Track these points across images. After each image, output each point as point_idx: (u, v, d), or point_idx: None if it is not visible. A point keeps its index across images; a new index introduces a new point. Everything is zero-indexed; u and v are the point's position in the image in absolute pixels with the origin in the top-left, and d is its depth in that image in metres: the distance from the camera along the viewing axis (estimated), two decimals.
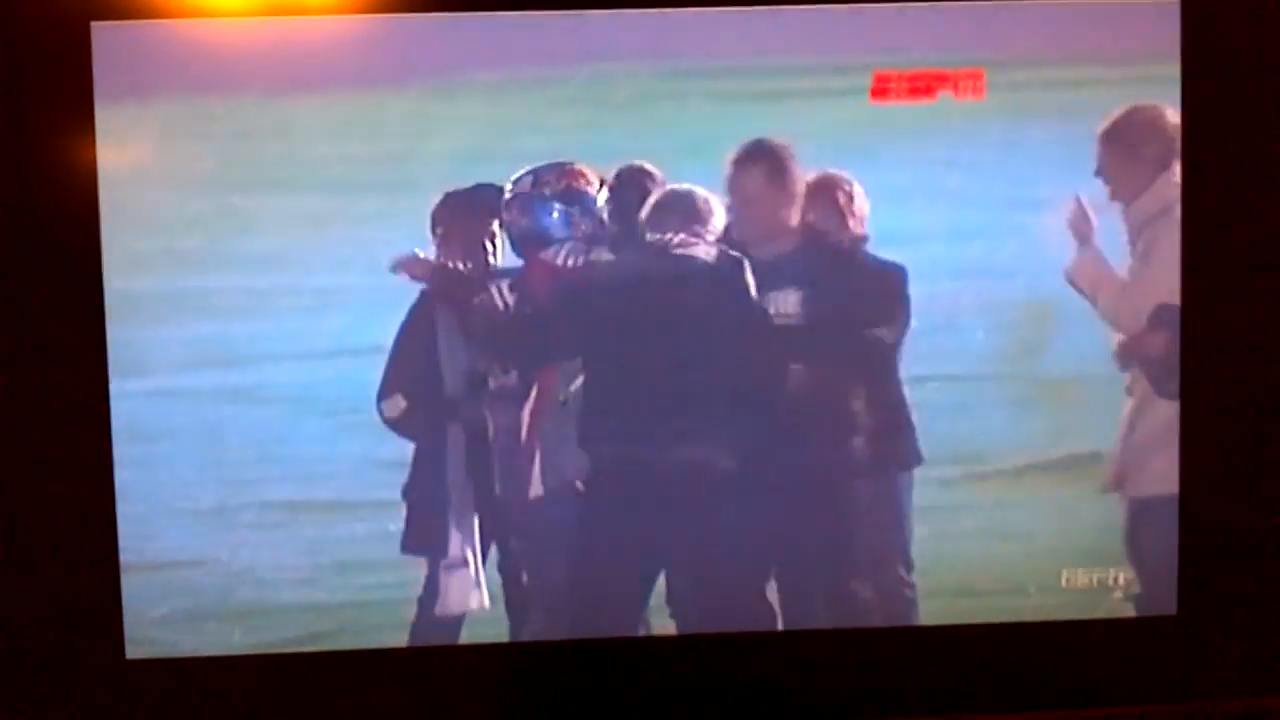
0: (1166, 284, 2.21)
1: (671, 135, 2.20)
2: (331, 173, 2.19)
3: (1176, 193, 2.20)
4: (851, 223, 2.22)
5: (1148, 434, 2.22)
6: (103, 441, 2.15)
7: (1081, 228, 2.20)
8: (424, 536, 2.21)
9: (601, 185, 2.20)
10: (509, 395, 2.22)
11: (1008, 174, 2.22)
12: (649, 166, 2.19)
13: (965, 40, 2.19)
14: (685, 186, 2.19)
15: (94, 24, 2.12)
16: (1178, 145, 2.19)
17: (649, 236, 2.19)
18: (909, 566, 2.26)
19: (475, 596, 2.23)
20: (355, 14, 2.16)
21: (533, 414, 2.21)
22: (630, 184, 2.20)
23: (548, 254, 2.20)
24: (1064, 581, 2.25)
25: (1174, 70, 2.19)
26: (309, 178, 2.19)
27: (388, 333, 2.20)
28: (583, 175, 2.20)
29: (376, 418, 2.21)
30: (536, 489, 2.21)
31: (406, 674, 2.22)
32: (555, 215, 2.19)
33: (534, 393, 2.22)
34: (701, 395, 2.19)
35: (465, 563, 2.23)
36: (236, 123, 2.16)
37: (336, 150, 2.19)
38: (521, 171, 2.20)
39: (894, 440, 2.23)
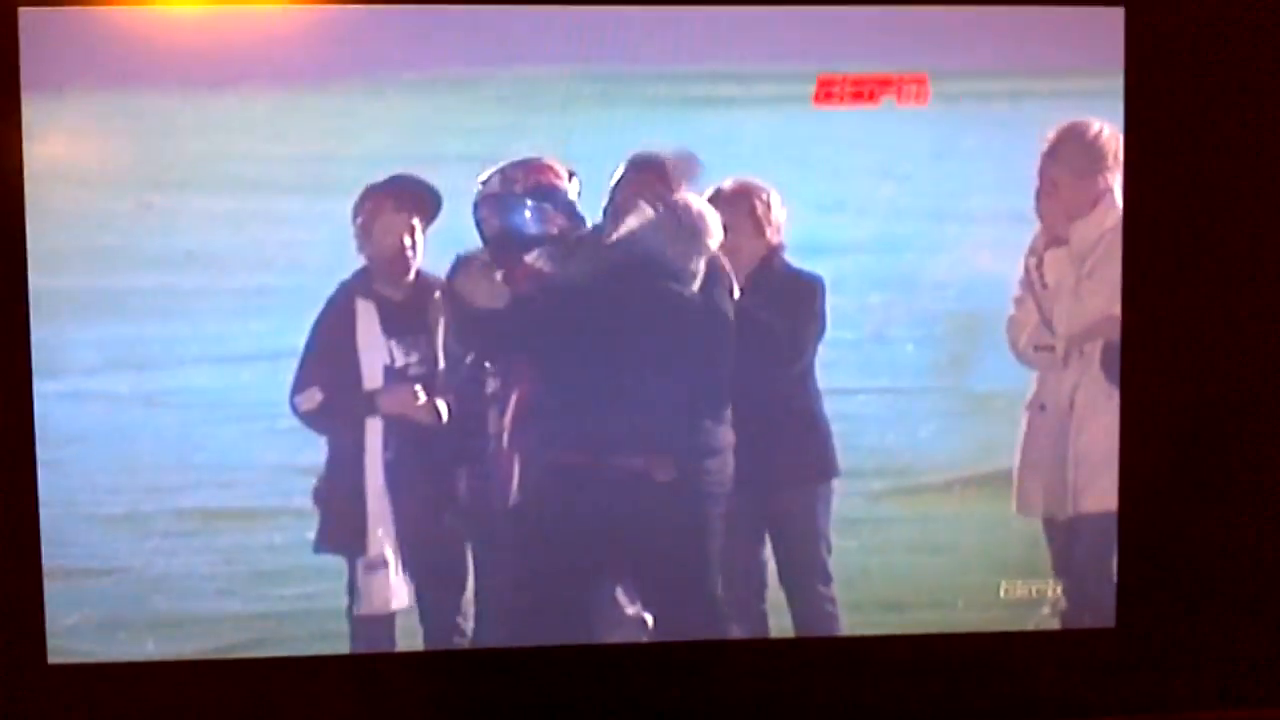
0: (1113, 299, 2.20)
1: (598, 139, 2.16)
2: (252, 172, 2.14)
3: (1120, 213, 2.19)
4: (768, 231, 2.20)
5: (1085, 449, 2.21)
6: (25, 444, 2.09)
7: None
8: (339, 536, 2.16)
9: (571, 178, 2.15)
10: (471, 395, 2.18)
11: (940, 186, 2.21)
12: None
13: (906, 48, 2.17)
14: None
15: (21, 10, 2.05)
16: (1118, 159, 2.17)
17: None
18: (827, 579, 2.24)
19: (397, 597, 2.19)
20: (279, 6, 2.11)
21: (513, 419, 2.16)
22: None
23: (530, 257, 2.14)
24: (1003, 593, 2.24)
25: (1117, 83, 2.18)
26: (229, 176, 2.13)
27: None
28: (551, 170, 2.14)
29: (295, 423, 2.16)
30: (515, 495, 2.17)
31: (334, 680, 2.18)
32: (528, 214, 2.15)
33: (513, 399, 2.17)
34: (644, 403, 2.16)
35: (385, 563, 2.18)
36: (156, 118, 2.11)
37: (258, 149, 2.14)
38: (489, 171, 2.14)
39: (810, 452, 2.21)
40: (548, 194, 2.15)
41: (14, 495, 2.10)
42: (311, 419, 2.15)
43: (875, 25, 2.17)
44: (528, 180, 2.14)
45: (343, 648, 2.19)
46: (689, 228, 2.14)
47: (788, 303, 2.19)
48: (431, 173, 2.15)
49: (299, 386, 2.14)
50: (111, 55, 2.08)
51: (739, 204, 2.19)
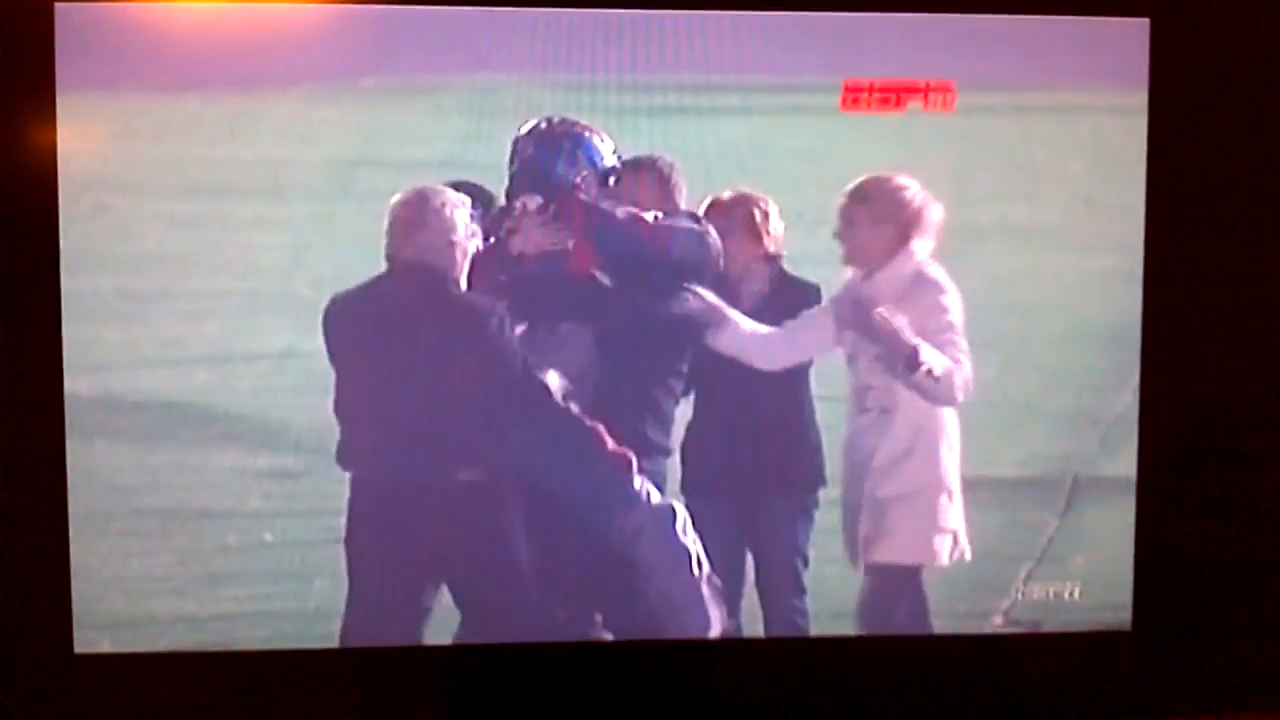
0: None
1: None
2: (211, 176, 2.14)
3: (916, 262, 2.17)
4: (766, 241, 2.21)
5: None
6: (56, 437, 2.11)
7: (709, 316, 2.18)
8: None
9: (614, 151, 2.19)
10: None
11: None
12: None
13: (929, 59, 2.19)
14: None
15: None
16: (921, 217, 2.16)
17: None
18: (801, 592, 2.25)
19: None
20: (240, 9, 2.11)
21: None
22: None
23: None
24: (1016, 595, 2.25)
25: (1141, 99, 2.19)
26: (187, 180, 2.14)
27: (263, 340, 2.16)
28: (597, 132, 2.17)
29: (251, 426, 2.16)
30: None
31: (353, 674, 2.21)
32: (563, 152, 2.16)
33: None
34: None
35: None
36: (113, 121, 2.11)
37: (216, 152, 2.14)
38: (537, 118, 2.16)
39: (799, 461, 2.23)
40: (586, 145, 2.16)
41: (42, 488, 2.11)
42: None
43: (898, 35, 2.18)
44: (574, 128, 2.15)
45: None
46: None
47: (783, 311, 2.19)
48: (393, 179, 2.15)
49: None
50: (64, 57, 2.07)
51: (736, 213, 2.19)
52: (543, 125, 2.15)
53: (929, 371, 2.13)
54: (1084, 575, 2.27)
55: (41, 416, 2.10)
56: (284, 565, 2.18)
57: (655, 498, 2.16)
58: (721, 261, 2.18)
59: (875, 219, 2.16)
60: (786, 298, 2.21)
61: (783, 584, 2.24)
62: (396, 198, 2.13)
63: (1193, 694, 2.29)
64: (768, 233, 2.21)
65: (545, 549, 2.15)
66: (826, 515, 2.24)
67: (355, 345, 2.13)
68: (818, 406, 2.22)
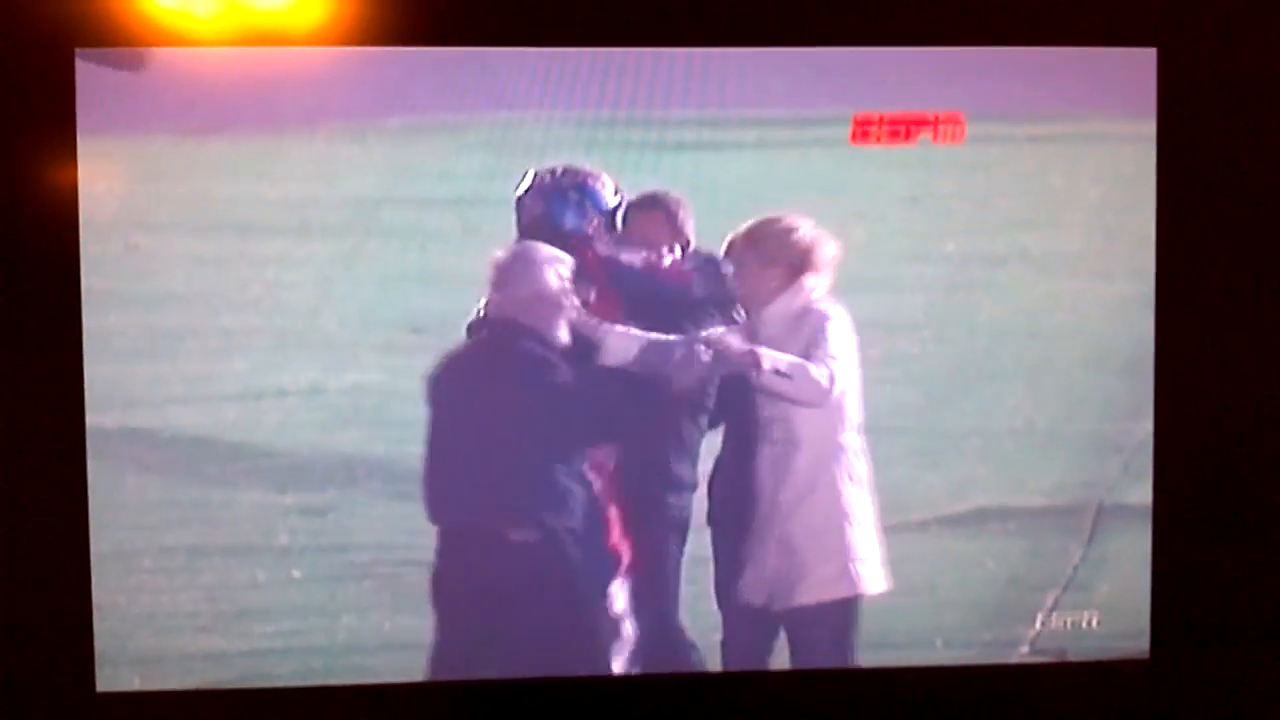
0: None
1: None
2: (237, 214, 2.17)
3: (808, 298, 2.18)
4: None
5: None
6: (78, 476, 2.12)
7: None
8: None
9: (616, 192, 2.20)
10: None
11: (912, 228, 2.24)
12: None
13: (937, 91, 2.20)
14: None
15: None
16: (812, 255, 2.17)
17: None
18: None
19: None
20: (261, 48, 2.14)
21: None
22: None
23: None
24: (1039, 624, 2.25)
25: (1150, 127, 2.21)
26: (214, 219, 2.17)
27: (290, 376, 2.18)
28: (599, 178, 2.19)
29: (278, 462, 2.18)
30: None
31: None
32: (570, 205, 2.18)
33: None
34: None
35: None
36: (142, 161, 2.14)
37: (243, 191, 2.17)
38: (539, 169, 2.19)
39: None
40: (591, 193, 2.17)
41: (66, 525, 2.12)
42: None
43: (907, 68, 2.19)
44: (576, 177, 2.17)
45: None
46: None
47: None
48: (415, 216, 2.18)
49: None
50: (90, 100, 2.10)
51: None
52: (546, 179, 2.18)
53: (776, 370, 2.12)
54: (1107, 603, 2.26)
55: (64, 453, 2.12)
56: (312, 601, 2.19)
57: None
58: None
59: (764, 260, 2.17)
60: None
61: None
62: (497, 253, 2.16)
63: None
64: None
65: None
66: None
67: (446, 400, 2.16)
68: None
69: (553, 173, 2.18)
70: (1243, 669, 2.28)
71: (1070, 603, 2.26)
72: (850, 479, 2.18)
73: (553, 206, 2.18)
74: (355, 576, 2.19)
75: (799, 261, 2.17)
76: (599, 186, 2.18)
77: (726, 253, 2.19)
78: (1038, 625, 2.26)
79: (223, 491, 2.18)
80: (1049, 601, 2.26)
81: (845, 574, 2.17)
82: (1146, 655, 2.26)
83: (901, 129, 2.19)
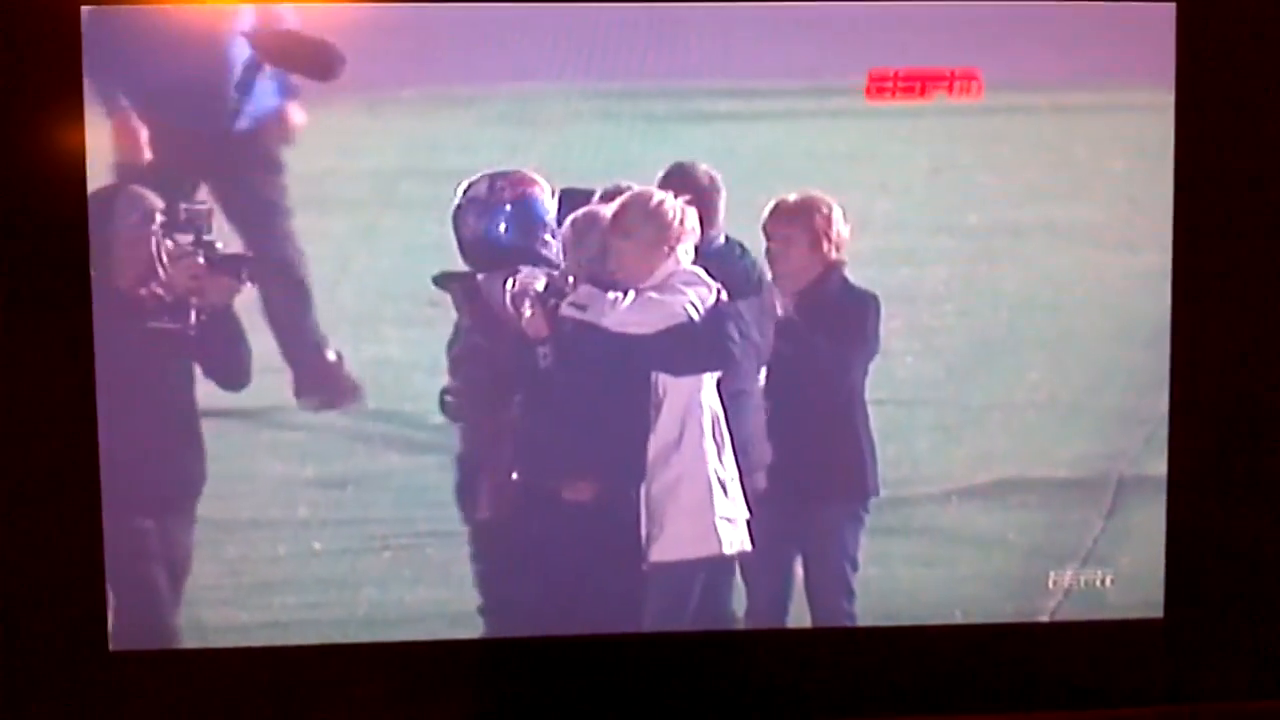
0: None
1: (599, 155, 2.18)
2: None
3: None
4: (826, 247, 2.19)
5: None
6: (90, 438, 2.11)
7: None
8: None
9: (554, 194, 2.17)
10: None
11: (934, 200, 2.22)
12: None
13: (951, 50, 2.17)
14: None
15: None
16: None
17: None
18: (851, 596, 2.24)
19: None
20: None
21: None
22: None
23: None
24: (1051, 583, 2.24)
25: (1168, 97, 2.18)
26: None
27: None
28: (535, 182, 2.16)
29: (301, 435, 2.18)
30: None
31: (385, 668, 2.20)
32: (505, 222, 2.16)
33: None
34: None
35: None
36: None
37: None
38: (472, 179, 2.16)
39: (850, 470, 2.21)
40: (529, 205, 2.16)
41: (78, 487, 2.12)
42: None
43: (923, 26, 2.16)
44: (513, 190, 2.15)
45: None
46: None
47: (839, 322, 2.18)
48: (435, 188, 2.17)
49: None
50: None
51: (799, 218, 2.18)
52: (481, 191, 2.14)
53: (574, 302, 2.12)
54: (1127, 573, 2.25)
55: (78, 421, 2.11)
56: (333, 573, 2.20)
57: None
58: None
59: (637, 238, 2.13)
60: (841, 308, 2.19)
61: (832, 588, 2.23)
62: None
63: (1226, 681, 2.28)
64: (828, 238, 2.18)
65: None
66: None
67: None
68: (871, 412, 2.21)
69: (490, 182, 2.14)
70: (1256, 638, 2.27)
71: (1090, 575, 2.25)
72: (714, 435, 2.16)
73: (490, 222, 2.15)
74: (375, 549, 2.20)
75: (672, 235, 2.13)
76: (537, 194, 2.15)
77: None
78: (1059, 597, 2.25)
79: (244, 464, 2.18)
80: (1069, 573, 2.25)
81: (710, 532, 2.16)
82: (1160, 615, 2.25)
83: (916, 84, 2.16)
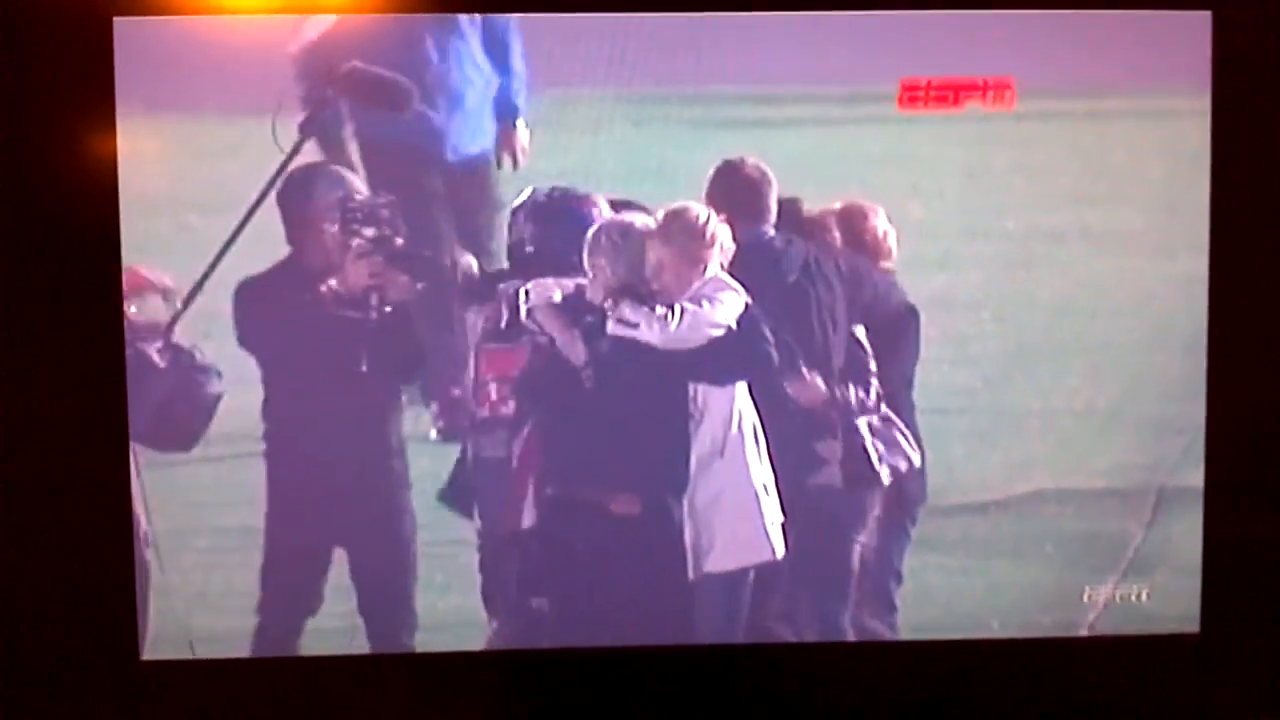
0: None
1: (631, 160, 2.17)
2: None
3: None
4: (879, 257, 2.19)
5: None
6: (121, 446, 2.12)
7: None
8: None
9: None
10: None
11: (971, 204, 2.20)
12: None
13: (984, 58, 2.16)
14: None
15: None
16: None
17: None
18: (892, 608, 2.23)
19: None
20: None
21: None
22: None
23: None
24: (1087, 597, 2.22)
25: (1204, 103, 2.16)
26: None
27: None
28: (594, 203, 2.15)
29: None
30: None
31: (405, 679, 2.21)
32: (560, 231, 2.14)
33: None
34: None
35: None
36: (189, 141, 2.14)
37: None
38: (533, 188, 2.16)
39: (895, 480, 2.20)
40: (582, 220, 2.14)
41: (110, 493, 2.13)
42: None
43: (956, 35, 2.15)
44: (567, 201, 2.14)
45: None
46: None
47: (886, 332, 2.17)
48: None
49: None
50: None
51: (845, 227, 2.17)
52: (540, 198, 2.13)
53: (621, 319, 2.09)
54: (1164, 587, 2.23)
55: (108, 432, 2.12)
56: None
57: None
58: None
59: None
60: (887, 319, 2.18)
61: (875, 600, 2.22)
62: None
63: (1262, 697, 2.25)
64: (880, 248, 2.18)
65: None
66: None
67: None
68: (920, 420, 2.20)
69: (549, 193, 2.14)
70: None
71: (1129, 587, 2.23)
72: (756, 444, 2.14)
73: (544, 228, 2.14)
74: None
75: (710, 243, 2.11)
76: (593, 212, 2.13)
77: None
78: (1097, 609, 2.22)
79: None
80: (1108, 585, 2.23)
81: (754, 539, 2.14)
82: (1196, 629, 2.22)
83: (949, 94, 2.15)
